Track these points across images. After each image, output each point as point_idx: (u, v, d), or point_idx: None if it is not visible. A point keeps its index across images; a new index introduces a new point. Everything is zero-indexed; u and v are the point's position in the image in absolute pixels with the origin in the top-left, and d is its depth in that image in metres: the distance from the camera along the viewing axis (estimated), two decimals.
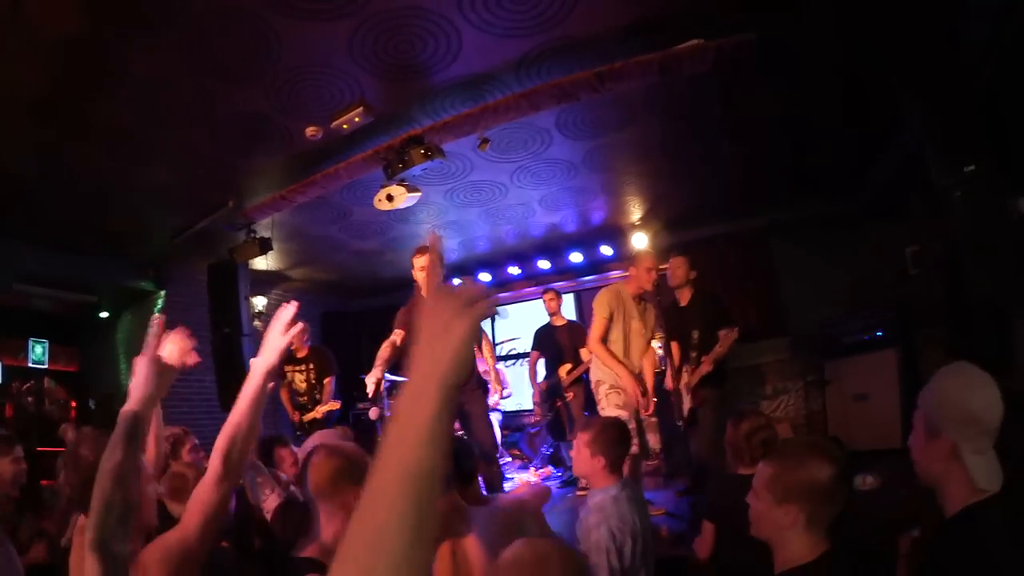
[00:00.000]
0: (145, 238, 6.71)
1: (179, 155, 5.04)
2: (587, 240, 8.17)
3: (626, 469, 3.00)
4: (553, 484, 6.48)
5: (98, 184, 5.35)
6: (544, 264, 8.60)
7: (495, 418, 6.76)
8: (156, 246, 6.87)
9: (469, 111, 4.67)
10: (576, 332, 6.84)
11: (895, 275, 6.39)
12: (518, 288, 9.32)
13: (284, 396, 6.49)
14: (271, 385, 1.75)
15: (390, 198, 5.09)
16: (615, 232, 7.93)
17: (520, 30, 3.86)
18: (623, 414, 4.44)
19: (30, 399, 7.34)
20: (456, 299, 0.77)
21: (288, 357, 6.13)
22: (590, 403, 5.57)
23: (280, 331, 1.72)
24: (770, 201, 7.18)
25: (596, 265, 8.49)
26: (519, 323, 9.28)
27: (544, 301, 7.24)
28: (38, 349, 7.86)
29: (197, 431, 3.99)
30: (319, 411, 6.21)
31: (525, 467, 7.79)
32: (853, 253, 6.96)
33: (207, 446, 2.99)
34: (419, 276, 4.82)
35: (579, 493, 5.51)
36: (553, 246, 8.41)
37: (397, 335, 4.72)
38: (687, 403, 5.34)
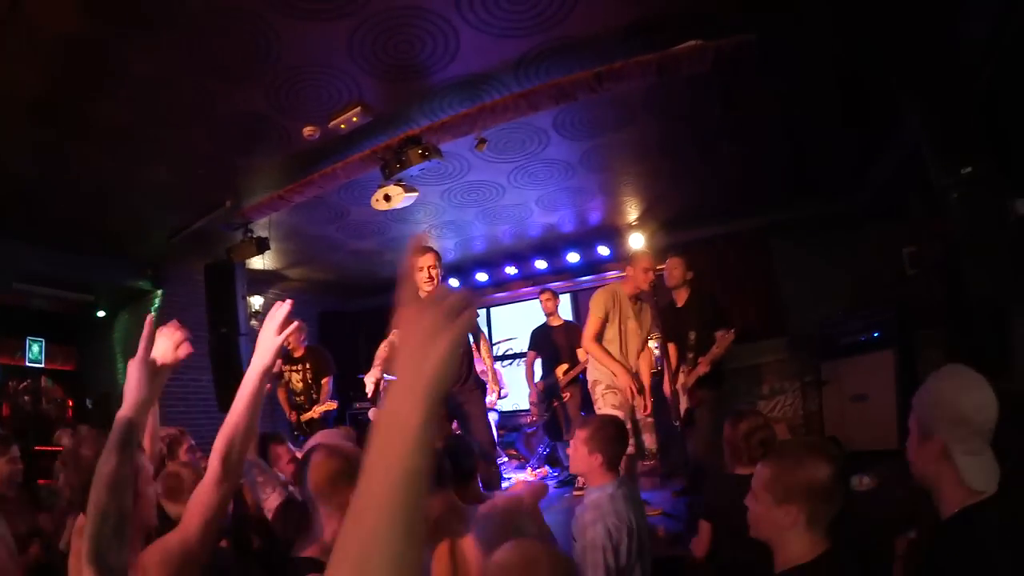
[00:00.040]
0: (143, 238, 6.70)
1: (178, 155, 5.03)
2: (584, 240, 8.17)
3: (622, 468, 3.00)
4: (550, 484, 6.48)
5: (98, 184, 5.35)
6: (541, 264, 8.60)
7: (491, 418, 6.75)
8: (154, 246, 6.87)
9: (467, 111, 4.67)
10: (573, 332, 6.84)
11: (894, 275, 6.40)
12: (515, 288, 9.33)
13: (281, 396, 6.48)
14: (268, 385, 1.74)
15: (387, 198, 5.08)
16: (612, 232, 7.94)
17: (519, 30, 3.86)
18: (619, 415, 4.44)
19: (27, 398, 7.34)
20: (439, 309, 0.75)
21: (285, 357, 6.13)
22: (587, 403, 5.57)
23: (274, 331, 1.70)
24: (769, 201, 7.19)
25: (593, 265, 8.50)
26: (516, 323, 9.29)
27: (541, 301, 7.24)
28: (35, 348, 7.86)
29: (194, 431, 3.98)
30: (316, 411, 6.20)
31: (522, 467, 7.78)
32: (853, 253, 6.97)
33: (205, 446, 2.98)
34: (417, 276, 4.82)
35: (576, 493, 5.51)
36: (550, 246, 8.41)
37: (395, 335, 4.71)
38: (684, 404, 5.34)
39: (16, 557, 2.64)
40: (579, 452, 2.86)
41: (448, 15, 3.68)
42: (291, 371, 6.38)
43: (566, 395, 6.72)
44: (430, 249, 4.87)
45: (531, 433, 7.97)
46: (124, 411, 1.52)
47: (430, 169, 5.17)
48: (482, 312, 9.39)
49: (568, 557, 1.95)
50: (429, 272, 4.74)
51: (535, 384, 7.13)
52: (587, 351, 4.93)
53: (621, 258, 7.68)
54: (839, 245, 7.09)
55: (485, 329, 8.70)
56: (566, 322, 7.29)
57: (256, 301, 8.28)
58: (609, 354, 4.71)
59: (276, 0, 3.41)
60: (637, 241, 7.54)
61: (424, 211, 6.86)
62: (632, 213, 7.53)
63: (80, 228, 6.23)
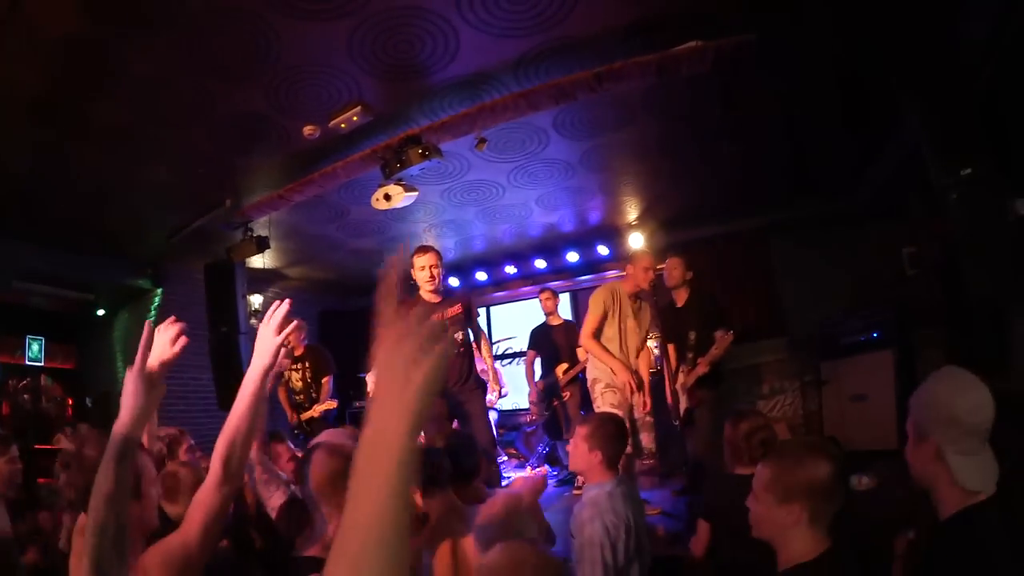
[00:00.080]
0: (143, 237, 6.70)
1: (178, 154, 5.03)
2: (584, 240, 8.18)
3: (621, 467, 3.00)
4: (549, 483, 6.48)
5: (97, 183, 5.34)
6: (541, 263, 8.61)
7: (491, 417, 6.76)
8: (154, 245, 6.86)
9: (467, 111, 4.66)
10: (572, 332, 6.84)
11: (894, 275, 6.41)
12: (514, 287, 9.34)
13: (282, 395, 6.48)
14: (269, 385, 1.74)
15: (387, 197, 5.08)
16: (612, 232, 7.94)
17: (518, 30, 3.86)
18: (618, 413, 4.44)
19: (26, 396, 7.33)
20: (412, 341, 0.74)
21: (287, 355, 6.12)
22: (587, 402, 5.57)
23: (273, 331, 1.70)
24: (769, 201, 7.18)
25: (593, 265, 8.50)
26: (515, 322, 9.29)
27: (540, 300, 7.25)
28: (35, 346, 7.85)
29: (194, 429, 3.98)
30: (316, 410, 6.19)
31: (521, 466, 7.79)
32: (853, 253, 6.96)
33: (205, 443, 2.98)
34: (418, 276, 4.83)
35: (575, 492, 5.52)
36: (550, 246, 8.41)
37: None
38: (683, 403, 5.35)
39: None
40: (579, 449, 2.87)
41: (448, 15, 3.67)
42: (291, 370, 6.38)
43: (566, 394, 6.73)
44: (431, 248, 4.88)
45: (531, 432, 7.97)
46: (121, 425, 1.50)
47: (430, 168, 5.17)
48: (482, 311, 9.39)
49: (557, 559, 1.96)
50: (430, 271, 4.75)
51: (535, 383, 7.13)
52: (585, 347, 4.94)
53: (621, 258, 7.68)
54: (839, 245, 7.09)
55: (485, 328, 8.69)
56: (566, 321, 7.30)
57: (256, 300, 8.28)
58: (607, 350, 4.72)
59: (276, 0, 3.41)
60: (637, 241, 7.54)
61: (424, 210, 6.86)
62: (632, 213, 7.54)
63: (80, 227, 6.23)
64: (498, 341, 9.38)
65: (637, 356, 4.87)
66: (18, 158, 4.78)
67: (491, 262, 8.87)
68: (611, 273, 8.15)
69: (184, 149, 4.95)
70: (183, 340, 1.70)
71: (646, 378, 4.82)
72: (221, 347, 6.48)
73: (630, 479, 3.91)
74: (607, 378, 4.73)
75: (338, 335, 9.09)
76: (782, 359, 7.29)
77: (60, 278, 6.87)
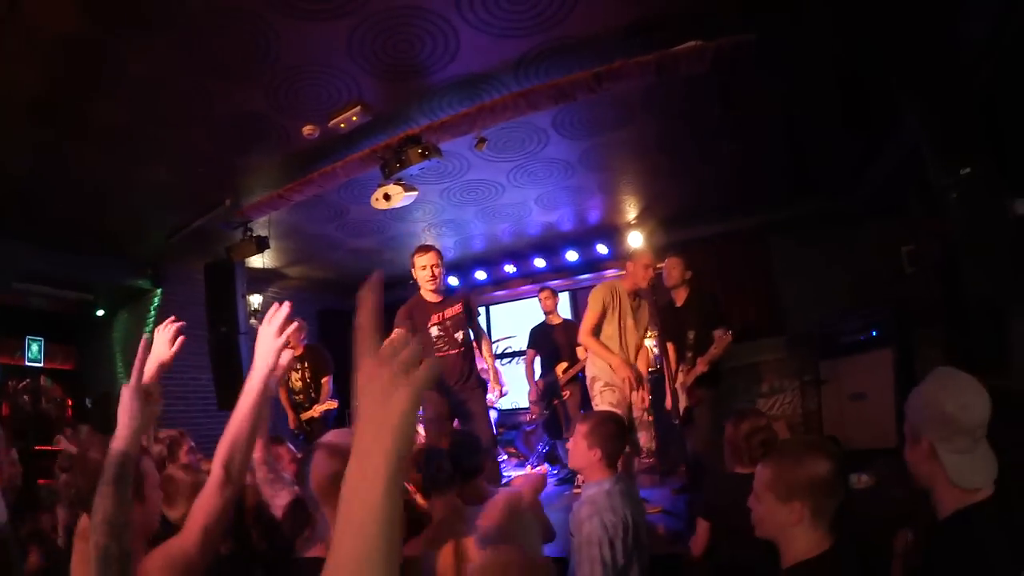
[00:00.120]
0: (143, 237, 6.69)
1: (178, 154, 5.03)
2: (583, 239, 8.19)
3: (620, 465, 3.01)
4: (549, 482, 6.49)
5: (96, 184, 5.34)
6: (540, 263, 8.62)
7: (491, 416, 6.77)
8: (153, 245, 6.86)
9: (466, 111, 4.67)
10: (572, 331, 6.82)
11: (893, 274, 6.41)
12: (514, 286, 9.35)
13: (282, 395, 6.46)
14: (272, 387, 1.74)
15: (387, 197, 5.09)
16: (611, 231, 7.95)
17: (518, 30, 3.86)
18: (616, 412, 4.45)
19: (26, 397, 7.31)
20: (391, 366, 0.73)
21: None
22: (586, 402, 5.57)
23: (273, 334, 1.70)
24: (769, 200, 7.19)
25: (592, 264, 8.51)
26: (515, 321, 9.30)
27: (540, 299, 7.24)
28: (34, 347, 7.85)
29: (194, 429, 3.98)
30: (316, 410, 6.18)
31: (521, 465, 7.80)
32: (852, 252, 6.97)
33: (205, 443, 2.98)
34: (419, 275, 4.83)
35: (575, 491, 5.52)
36: (549, 245, 8.42)
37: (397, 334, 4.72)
38: (683, 402, 5.35)
39: None
40: (579, 446, 2.88)
41: (448, 15, 3.68)
42: (290, 370, 6.36)
43: (566, 393, 6.72)
44: (432, 247, 4.88)
45: (530, 431, 7.98)
46: (118, 443, 1.51)
47: (430, 168, 5.17)
48: (482, 310, 9.39)
49: (546, 562, 1.96)
50: (432, 270, 4.77)
51: (535, 382, 7.13)
52: (583, 344, 4.94)
53: (620, 257, 7.67)
54: (838, 244, 7.09)
55: (485, 327, 8.70)
56: (565, 320, 7.29)
57: (256, 300, 8.28)
58: (605, 346, 4.72)
59: (276, 0, 3.41)
60: (636, 240, 7.54)
61: (423, 210, 6.87)
62: (631, 212, 7.54)
63: (79, 227, 6.22)
64: (498, 340, 9.36)
65: (636, 354, 4.87)
66: (17, 158, 4.78)
67: (490, 261, 8.88)
68: (610, 272, 8.14)
69: (184, 149, 4.95)
70: (180, 340, 1.70)
71: (644, 376, 4.82)
72: (221, 347, 6.49)
73: (629, 477, 3.92)
74: (606, 376, 4.72)
75: (338, 334, 9.07)
76: (781, 358, 7.29)
77: (60, 279, 6.87)
